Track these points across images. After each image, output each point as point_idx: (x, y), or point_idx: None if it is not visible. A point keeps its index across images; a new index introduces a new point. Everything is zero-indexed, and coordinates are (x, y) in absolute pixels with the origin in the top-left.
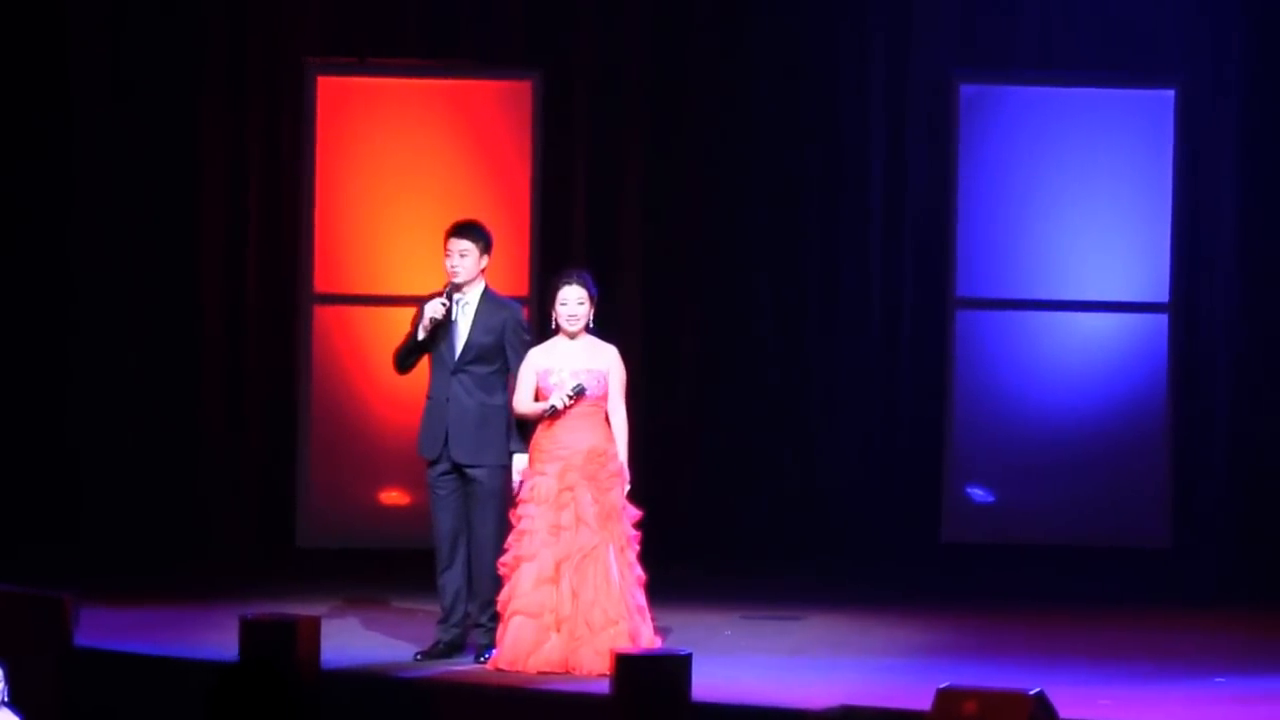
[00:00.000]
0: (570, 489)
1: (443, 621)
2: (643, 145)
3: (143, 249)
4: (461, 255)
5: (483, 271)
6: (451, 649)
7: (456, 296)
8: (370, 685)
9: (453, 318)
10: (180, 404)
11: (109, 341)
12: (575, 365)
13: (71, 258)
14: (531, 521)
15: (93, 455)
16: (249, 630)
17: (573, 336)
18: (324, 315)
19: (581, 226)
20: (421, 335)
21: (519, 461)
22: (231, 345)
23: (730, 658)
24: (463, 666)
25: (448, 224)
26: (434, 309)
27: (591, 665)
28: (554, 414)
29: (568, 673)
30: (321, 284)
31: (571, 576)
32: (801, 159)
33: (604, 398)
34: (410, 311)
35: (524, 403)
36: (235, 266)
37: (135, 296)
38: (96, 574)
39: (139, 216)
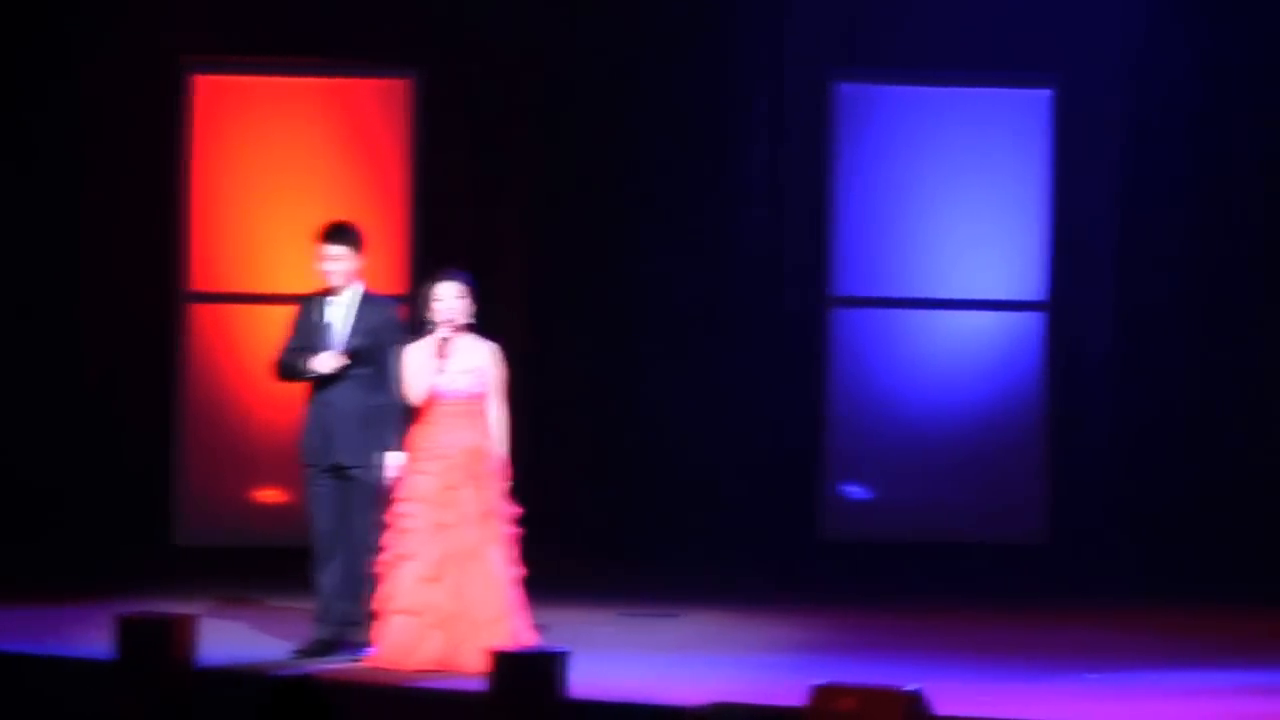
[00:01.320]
0: (452, 488)
1: (319, 619)
2: (522, 143)
3: (17, 246)
4: (336, 259)
5: (358, 271)
6: (328, 647)
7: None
8: (247, 683)
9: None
10: (55, 401)
11: None
12: (456, 364)
13: None
14: (413, 520)
15: None
16: (125, 628)
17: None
18: (200, 313)
19: (461, 225)
20: (328, 370)
21: (392, 459)
22: (107, 343)
23: (607, 654)
24: (340, 664)
25: (324, 222)
26: (325, 363)
27: (476, 663)
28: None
29: (448, 670)
30: (198, 282)
31: (454, 575)
32: (681, 157)
33: (483, 395)
34: (287, 310)
35: (416, 385)
36: (110, 263)
37: (8, 293)
38: None
39: (12, 213)
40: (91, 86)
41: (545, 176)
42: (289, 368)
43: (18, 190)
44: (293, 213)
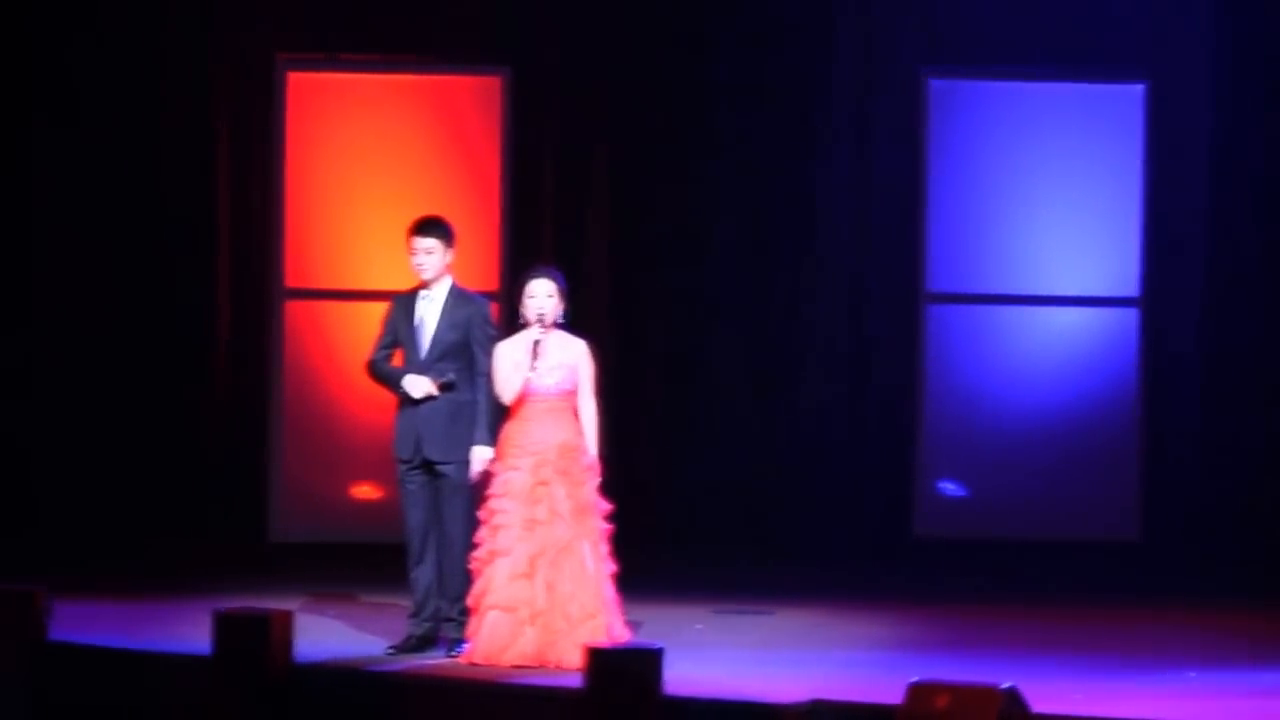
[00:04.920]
0: (545, 484)
1: (414, 616)
2: (611, 140)
3: (112, 245)
4: (428, 253)
5: (449, 267)
6: (423, 643)
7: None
8: (343, 679)
9: (416, 320)
10: (152, 399)
11: (77, 337)
12: (548, 361)
13: (37, 251)
14: (505, 516)
15: (62, 451)
16: (222, 624)
17: (545, 329)
18: (295, 310)
19: (550, 221)
20: (418, 395)
21: (480, 453)
22: (203, 341)
23: (701, 652)
24: (435, 661)
25: (416, 216)
26: (416, 388)
27: (571, 659)
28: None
29: (543, 667)
30: (292, 279)
31: (547, 571)
32: (770, 154)
33: (574, 392)
34: (380, 307)
35: (509, 384)
36: (206, 262)
37: (100, 289)
38: (67, 569)
39: (108, 212)
40: (188, 85)
41: (632, 172)
42: (384, 378)
43: (112, 187)
44: (386, 209)
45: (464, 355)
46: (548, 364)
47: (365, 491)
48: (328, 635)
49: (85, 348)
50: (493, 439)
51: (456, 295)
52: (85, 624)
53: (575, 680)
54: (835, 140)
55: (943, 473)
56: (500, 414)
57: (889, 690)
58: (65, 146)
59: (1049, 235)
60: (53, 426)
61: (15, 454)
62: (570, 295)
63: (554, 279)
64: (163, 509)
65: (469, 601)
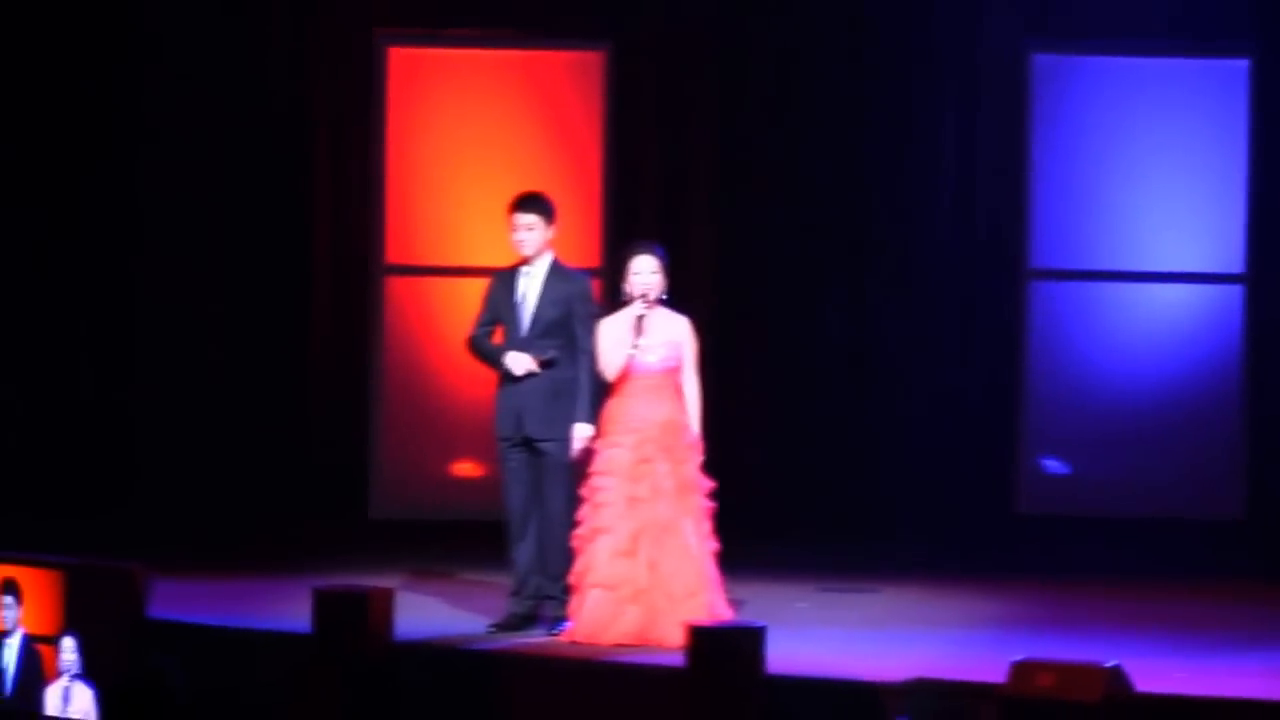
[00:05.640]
0: (647, 461)
1: (515, 594)
2: (712, 114)
3: (211, 220)
4: (528, 229)
5: (549, 242)
6: (524, 621)
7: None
8: (443, 658)
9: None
10: (251, 375)
11: (176, 311)
12: (651, 338)
13: (140, 224)
14: (607, 494)
15: (159, 425)
16: (322, 602)
17: (649, 306)
18: (396, 286)
19: (651, 196)
20: (519, 372)
21: (581, 431)
22: (303, 317)
23: (804, 630)
24: (536, 639)
25: (516, 192)
26: (518, 365)
27: (673, 637)
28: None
29: (645, 645)
30: (393, 255)
31: (649, 548)
32: (872, 130)
33: (677, 369)
34: (482, 283)
35: (612, 361)
36: (308, 237)
37: (202, 266)
38: (165, 546)
39: (208, 188)
40: (287, 61)
41: (733, 146)
42: (484, 355)
43: (211, 166)
44: (487, 185)
45: (565, 332)
46: (651, 341)
47: (466, 469)
48: (428, 613)
49: (188, 324)
50: (594, 416)
51: (557, 271)
52: (185, 601)
53: (677, 659)
54: (939, 115)
55: (1045, 450)
56: (602, 391)
57: (992, 668)
58: (166, 125)
59: (1153, 211)
60: (154, 403)
61: (118, 430)
62: (672, 272)
63: (657, 255)
64: (263, 486)
65: (570, 579)
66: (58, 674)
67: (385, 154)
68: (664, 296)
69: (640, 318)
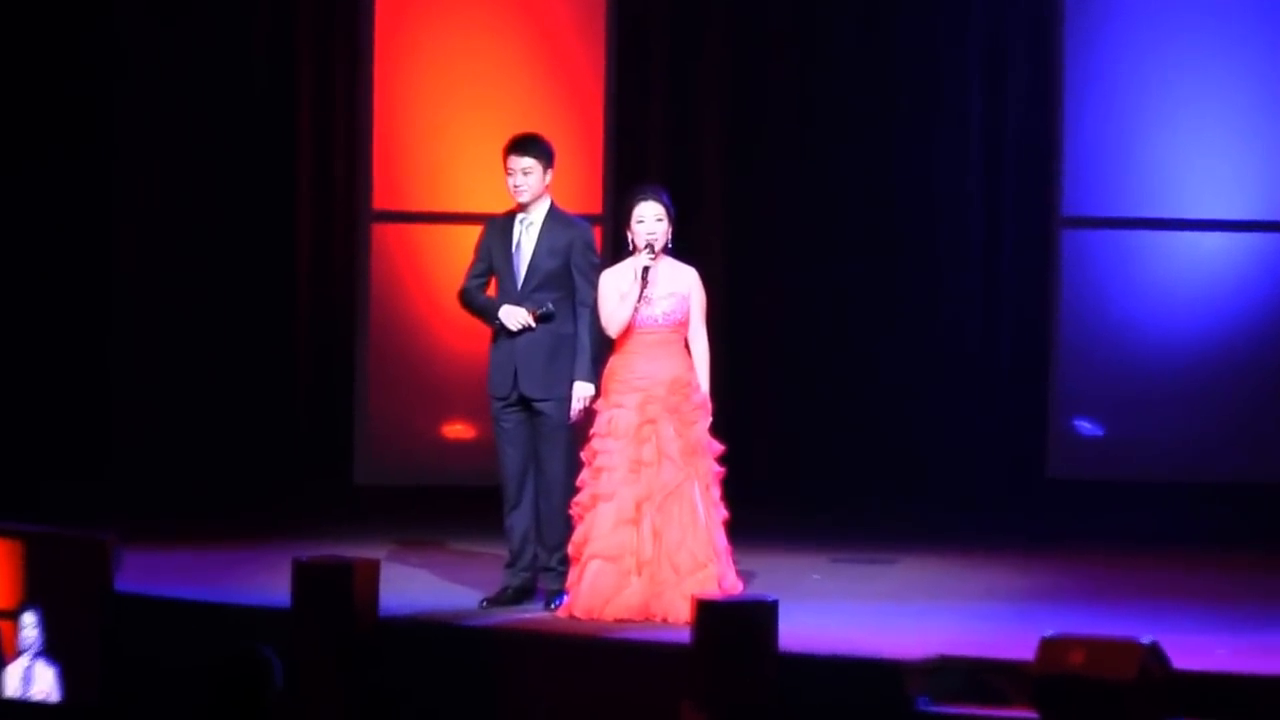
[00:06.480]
0: (652, 422)
1: (510, 565)
2: (723, 53)
3: (190, 166)
4: (525, 173)
5: (547, 188)
6: (520, 595)
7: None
8: (433, 634)
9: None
10: (227, 331)
11: (157, 269)
12: (656, 290)
13: (115, 181)
14: (610, 458)
15: (136, 385)
16: (302, 573)
17: (654, 255)
18: (383, 234)
19: (658, 140)
20: (515, 327)
21: (581, 390)
22: (284, 267)
23: (819, 604)
24: (532, 614)
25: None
26: (513, 320)
27: (679, 612)
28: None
29: (649, 620)
30: (381, 200)
31: (654, 516)
32: (893, 68)
33: (684, 323)
34: (475, 230)
35: (615, 316)
36: (289, 183)
37: (181, 215)
38: (136, 514)
39: (186, 132)
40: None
41: (746, 87)
42: (477, 308)
43: (190, 109)
44: (481, 128)
45: (564, 284)
46: (657, 293)
47: (458, 430)
48: (416, 586)
49: (165, 280)
50: (595, 374)
51: (556, 219)
52: (157, 574)
53: (683, 635)
54: (968, 55)
55: (1079, 410)
56: (604, 347)
57: (1020, 644)
58: (144, 68)
59: (1194, 155)
60: (131, 361)
61: (93, 393)
62: (680, 219)
63: (662, 201)
64: (243, 448)
65: (569, 550)
66: (17, 652)
67: (373, 96)
68: (670, 246)
69: (645, 269)
